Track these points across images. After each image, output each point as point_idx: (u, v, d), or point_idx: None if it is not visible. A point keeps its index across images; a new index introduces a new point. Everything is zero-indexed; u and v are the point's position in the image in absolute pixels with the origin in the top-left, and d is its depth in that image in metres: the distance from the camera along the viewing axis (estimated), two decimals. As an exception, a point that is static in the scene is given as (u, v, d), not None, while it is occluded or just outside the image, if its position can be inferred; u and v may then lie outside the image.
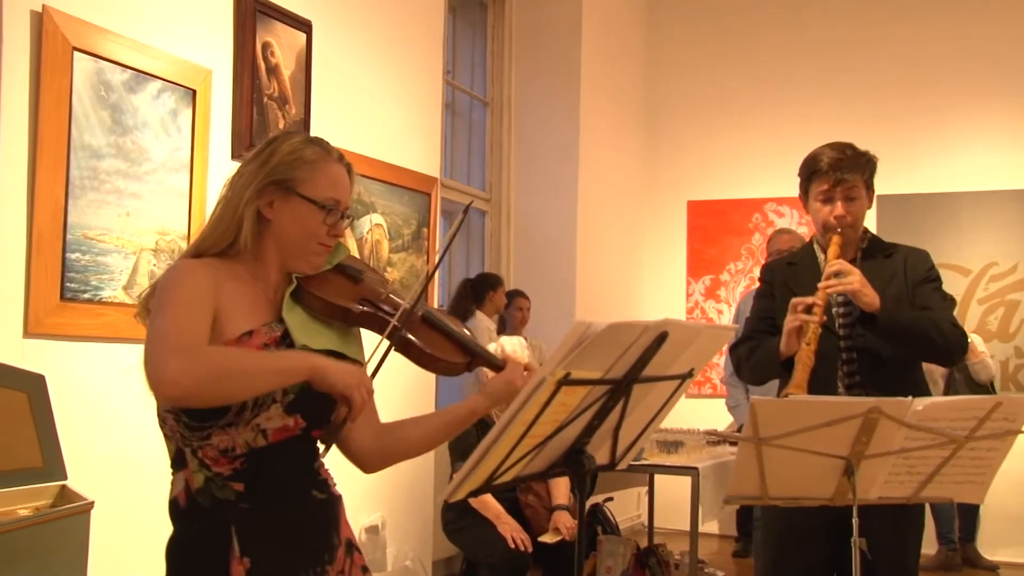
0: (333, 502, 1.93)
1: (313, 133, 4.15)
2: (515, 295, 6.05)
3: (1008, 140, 6.95)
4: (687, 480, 4.63)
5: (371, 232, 4.60)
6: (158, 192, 3.55)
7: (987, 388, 6.44)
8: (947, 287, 6.99)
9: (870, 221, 6.87)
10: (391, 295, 1.94)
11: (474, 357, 1.95)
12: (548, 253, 6.49)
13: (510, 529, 4.34)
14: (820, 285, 2.70)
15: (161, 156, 3.56)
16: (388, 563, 4.63)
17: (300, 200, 1.84)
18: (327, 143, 1.93)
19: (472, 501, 4.34)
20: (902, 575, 2.71)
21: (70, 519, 2.47)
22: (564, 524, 4.42)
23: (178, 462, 1.83)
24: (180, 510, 1.81)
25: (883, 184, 6.95)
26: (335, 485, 1.95)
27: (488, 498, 4.43)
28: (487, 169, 6.54)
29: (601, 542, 4.92)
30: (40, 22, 3.14)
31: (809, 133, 7.32)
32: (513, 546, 4.28)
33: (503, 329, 6.03)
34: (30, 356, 3.06)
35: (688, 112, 7.64)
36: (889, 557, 2.59)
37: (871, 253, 2.92)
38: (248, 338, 1.77)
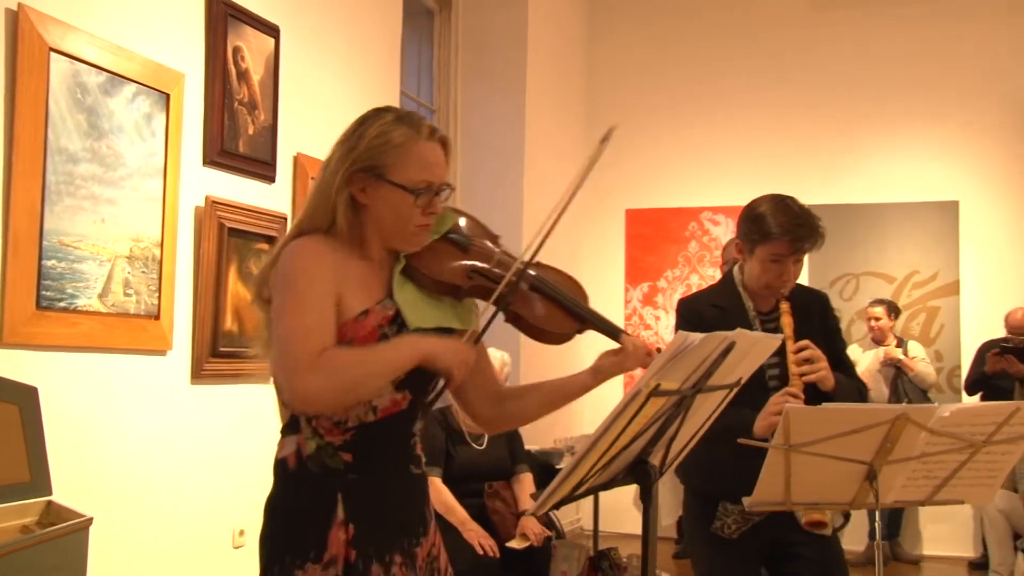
0: (424, 478, 2.00)
1: (279, 140, 4.13)
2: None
3: (930, 154, 7.19)
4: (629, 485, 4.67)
5: (334, 239, 4.52)
6: (133, 198, 3.43)
7: (926, 394, 6.66)
8: (873, 293, 7.23)
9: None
10: (500, 261, 1.90)
11: (585, 323, 1.91)
12: (494, 260, 6.49)
13: (477, 535, 4.31)
14: (795, 371, 2.60)
15: (136, 161, 3.45)
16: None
17: (390, 186, 1.81)
18: (418, 118, 1.88)
19: (438, 507, 4.30)
20: None
21: (69, 536, 2.37)
22: (532, 530, 4.41)
23: (291, 426, 1.88)
24: (288, 471, 1.87)
25: (816, 194, 7.16)
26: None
27: (454, 504, 4.40)
28: (433, 176, 6.51)
29: (555, 547, 4.93)
30: (16, 21, 3.01)
31: (744, 145, 7.52)
32: (481, 552, 4.25)
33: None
34: (5, 367, 2.93)
35: (627, 122, 7.70)
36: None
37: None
38: (364, 318, 1.80)
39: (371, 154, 1.81)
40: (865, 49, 7.34)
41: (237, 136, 3.93)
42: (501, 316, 1.88)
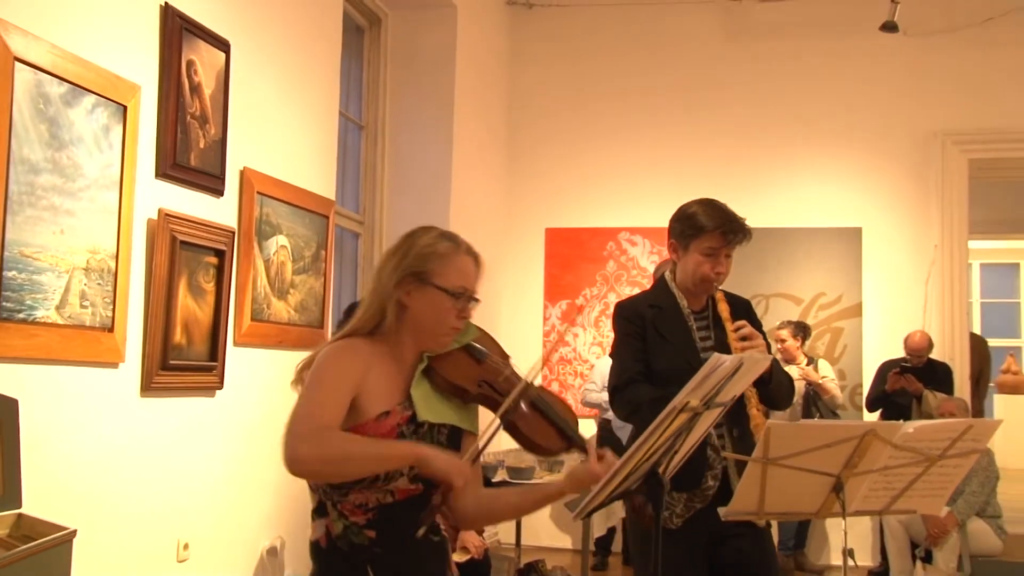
0: (444, 544, 2.23)
1: (228, 154, 4.14)
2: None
3: (836, 182, 7.55)
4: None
5: (277, 254, 4.54)
6: (90, 210, 3.41)
7: (835, 413, 6.97)
8: (782, 314, 7.52)
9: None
10: (507, 378, 2.15)
11: (573, 445, 2.16)
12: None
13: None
14: (737, 347, 2.84)
15: (94, 173, 3.43)
16: (285, 586, 4.56)
17: (434, 289, 2.12)
18: (457, 237, 2.23)
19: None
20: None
21: (54, 549, 2.37)
22: (472, 543, 4.49)
23: (319, 511, 2.15)
24: (321, 550, 2.14)
25: (729, 218, 7.36)
26: (446, 529, 2.24)
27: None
28: (361, 192, 6.54)
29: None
30: (-20, 29, 2.98)
31: (660, 167, 7.76)
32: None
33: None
34: (-37, 379, 2.89)
35: (547, 141, 7.89)
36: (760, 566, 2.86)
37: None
38: (385, 418, 2.08)
39: (419, 261, 2.14)
40: (777, 80, 7.67)
41: (189, 149, 3.93)
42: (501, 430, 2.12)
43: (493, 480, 5.03)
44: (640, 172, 7.80)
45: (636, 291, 7.71)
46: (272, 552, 4.49)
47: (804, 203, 7.50)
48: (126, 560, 3.63)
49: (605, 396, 6.99)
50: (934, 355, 7.07)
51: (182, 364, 3.86)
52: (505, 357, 2.26)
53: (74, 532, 2.45)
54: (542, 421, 2.15)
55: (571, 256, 7.76)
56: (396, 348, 2.16)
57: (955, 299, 7.40)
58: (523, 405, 2.13)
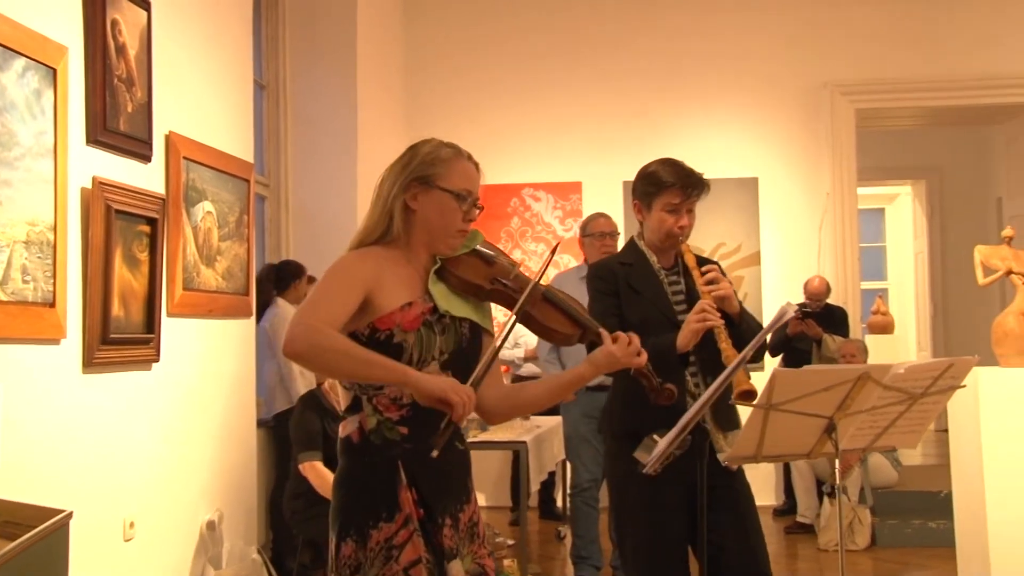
0: (467, 454, 2.33)
1: (154, 118, 4.01)
2: (312, 281, 6.02)
3: (733, 133, 7.81)
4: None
5: (204, 220, 4.44)
6: (27, 180, 3.27)
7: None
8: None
9: (617, 203, 7.45)
10: (518, 275, 2.27)
11: (585, 330, 2.28)
12: (328, 240, 6.44)
13: (362, 513, 4.38)
14: (704, 289, 3.01)
15: (28, 140, 3.29)
16: (223, 559, 4.52)
17: (439, 192, 2.22)
18: (458, 146, 2.33)
19: (323, 491, 4.35)
20: (751, 555, 3.04)
21: (54, 534, 2.31)
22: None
23: (353, 407, 2.21)
24: (353, 445, 2.19)
25: (629, 171, 7.56)
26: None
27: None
28: (265, 153, 6.42)
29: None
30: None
31: (563, 121, 7.86)
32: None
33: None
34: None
35: (446, 99, 7.87)
36: (737, 539, 3.00)
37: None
38: (408, 308, 2.18)
39: (424, 166, 2.24)
40: (671, 33, 7.84)
41: (118, 114, 3.79)
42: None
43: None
44: (540, 128, 7.88)
45: (542, 247, 7.89)
46: (211, 526, 4.43)
47: (701, 154, 7.65)
48: (73, 541, 3.54)
49: (517, 353, 7.12)
50: (829, 299, 7.42)
51: (121, 338, 3.75)
52: (513, 262, 2.38)
53: (70, 514, 2.39)
54: (555, 310, 2.28)
55: (475, 214, 7.78)
56: (407, 252, 2.25)
57: (847, 245, 7.78)
58: (537, 296, 2.25)
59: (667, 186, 3.15)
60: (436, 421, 2.09)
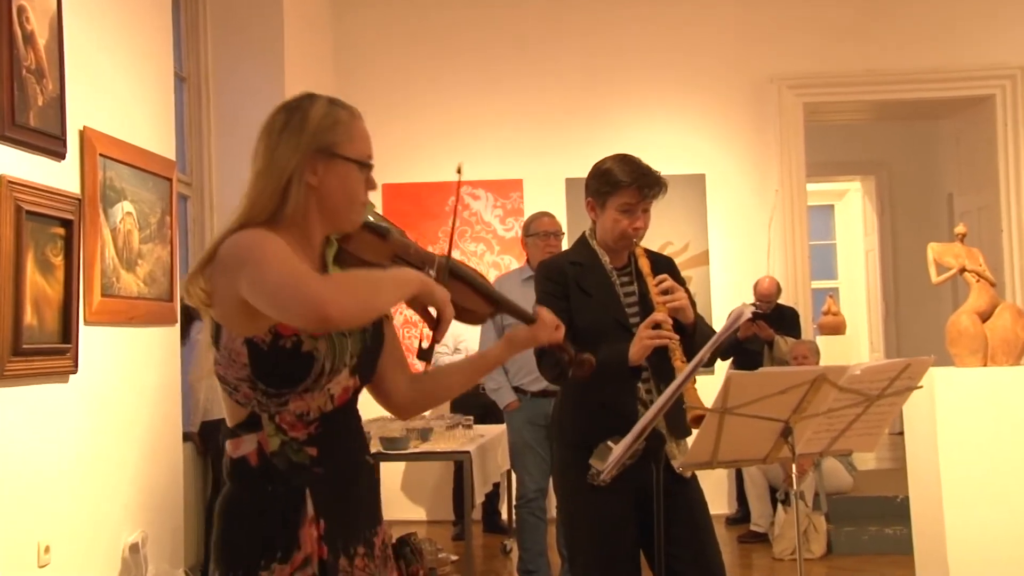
0: (373, 467, 2.12)
1: (67, 112, 3.93)
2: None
3: (679, 129, 7.86)
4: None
5: (123, 222, 4.35)
6: (-71, 179, 3.18)
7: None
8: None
9: (560, 201, 7.47)
10: (417, 250, 2.12)
11: (499, 306, 2.17)
12: (256, 240, 6.41)
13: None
14: (659, 300, 2.99)
15: (-70, 136, 3.19)
16: (148, 583, 4.43)
17: (343, 162, 1.98)
18: (343, 102, 2.07)
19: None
20: (706, 566, 3.06)
21: None
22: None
23: (250, 424, 1.95)
24: (250, 469, 1.94)
25: (572, 167, 7.61)
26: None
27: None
28: (188, 150, 6.31)
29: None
30: None
31: (503, 117, 7.86)
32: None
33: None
34: None
35: (379, 96, 7.81)
36: (692, 549, 3.01)
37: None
38: None
39: (323, 134, 1.97)
40: (613, 26, 7.88)
41: (27, 108, 3.70)
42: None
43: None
44: (479, 124, 7.87)
45: (481, 247, 7.87)
46: (134, 549, 4.35)
47: (646, 150, 7.56)
48: (-16, 569, 3.45)
49: (458, 358, 7.09)
50: (780, 300, 7.51)
51: (35, 348, 3.67)
52: (404, 234, 2.20)
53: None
54: (466, 288, 2.14)
55: (411, 212, 7.73)
56: (302, 234, 1.98)
57: (797, 243, 7.88)
58: (444, 274, 2.10)
59: (622, 185, 3.12)
60: (343, 434, 2.00)
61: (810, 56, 7.86)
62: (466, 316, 2.14)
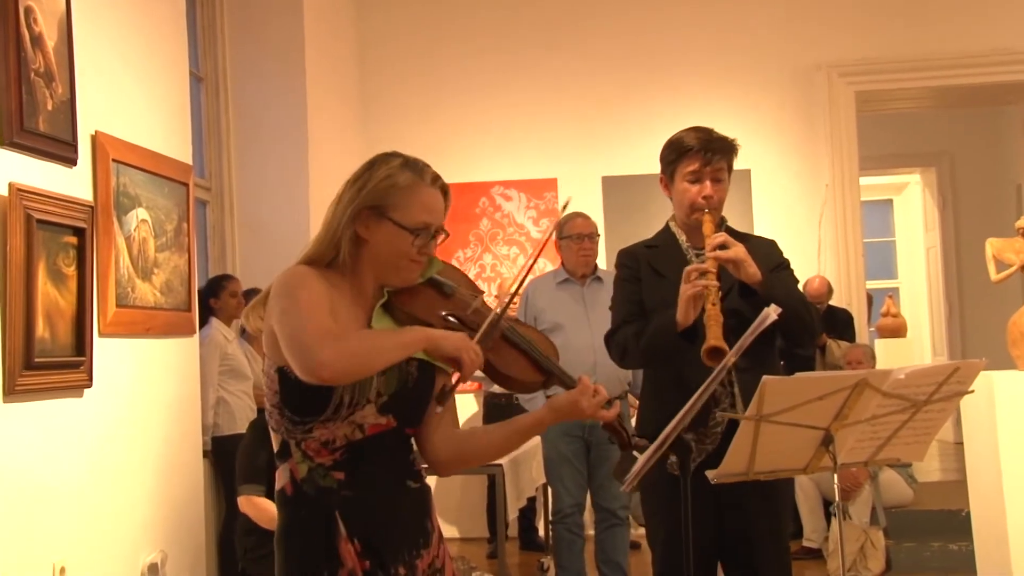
0: (425, 491, 2.29)
1: (78, 116, 4.01)
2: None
3: (721, 121, 7.75)
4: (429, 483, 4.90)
5: (138, 229, 4.44)
6: (-63, 188, 3.27)
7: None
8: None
9: (596, 202, 7.50)
10: (477, 309, 2.22)
11: (550, 376, 2.24)
12: (279, 248, 6.45)
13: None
14: (708, 254, 3.01)
15: (-63, 144, 3.28)
16: (168, 605, 4.51)
17: (391, 224, 2.18)
18: (423, 165, 2.27)
19: (265, 524, 4.34)
20: (778, 550, 3.14)
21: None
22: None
23: (283, 453, 2.19)
24: (287, 498, 2.18)
25: (611, 165, 7.63)
26: (426, 477, 2.29)
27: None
28: (205, 153, 6.41)
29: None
30: None
31: (535, 115, 7.89)
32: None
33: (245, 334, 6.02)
34: None
35: (406, 98, 7.87)
36: (768, 536, 3.04)
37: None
38: None
39: (377, 195, 2.18)
40: (650, 17, 7.90)
41: (37, 112, 3.79)
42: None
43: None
44: (510, 122, 7.90)
45: (515, 251, 7.92)
46: (153, 569, 4.43)
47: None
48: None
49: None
50: (832, 301, 7.48)
51: (47, 362, 3.75)
52: (476, 291, 2.34)
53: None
54: (516, 353, 2.23)
55: (440, 215, 7.79)
56: (355, 281, 2.23)
57: (849, 240, 7.85)
58: (496, 336, 2.20)
59: (686, 151, 3.17)
60: (375, 462, 2.15)
61: (861, 41, 7.82)
62: (512, 385, 2.26)
